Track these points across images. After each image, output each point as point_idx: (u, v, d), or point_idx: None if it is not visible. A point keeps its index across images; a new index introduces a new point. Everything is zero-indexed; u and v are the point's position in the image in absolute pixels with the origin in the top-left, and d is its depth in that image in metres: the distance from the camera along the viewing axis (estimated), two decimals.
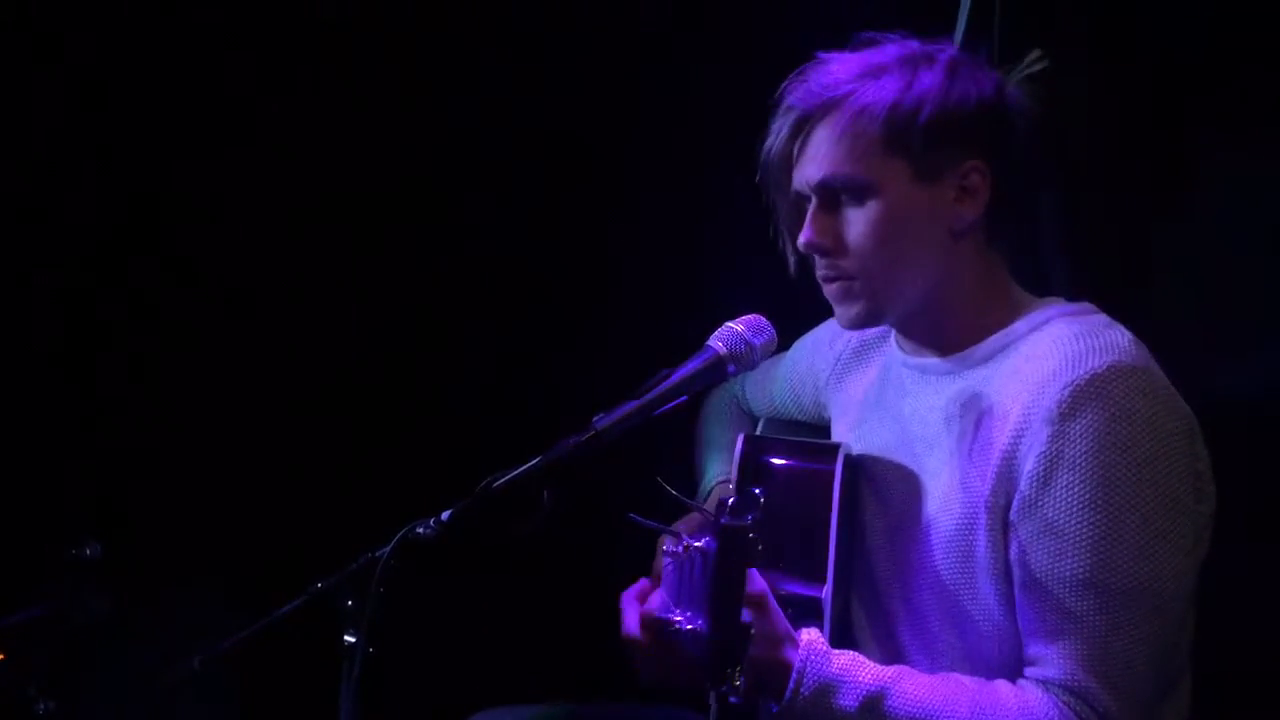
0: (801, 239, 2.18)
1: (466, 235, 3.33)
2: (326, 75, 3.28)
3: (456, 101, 3.32)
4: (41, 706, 2.54)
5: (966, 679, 2.09)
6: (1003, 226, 2.20)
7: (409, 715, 3.03)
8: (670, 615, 1.92)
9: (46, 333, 3.23)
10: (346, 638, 2.08)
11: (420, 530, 2.08)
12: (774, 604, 2.02)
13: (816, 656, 2.04)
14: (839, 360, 2.44)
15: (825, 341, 2.48)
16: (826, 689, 2.03)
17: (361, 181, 3.31)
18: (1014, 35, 2.71)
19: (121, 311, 3.25)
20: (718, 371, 2.14)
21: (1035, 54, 2.22)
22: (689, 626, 1.85)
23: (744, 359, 2.15)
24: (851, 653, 2.08)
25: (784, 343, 2.25)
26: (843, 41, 2.25)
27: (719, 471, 2.57)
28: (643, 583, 2.30)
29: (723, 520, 1.82)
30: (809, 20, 2.69)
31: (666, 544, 2.03)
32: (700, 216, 3.14)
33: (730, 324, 2.17)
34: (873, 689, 2.03)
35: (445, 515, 2.09)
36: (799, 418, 2.55)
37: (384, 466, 3.27)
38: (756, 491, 1.90)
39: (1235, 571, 2.53)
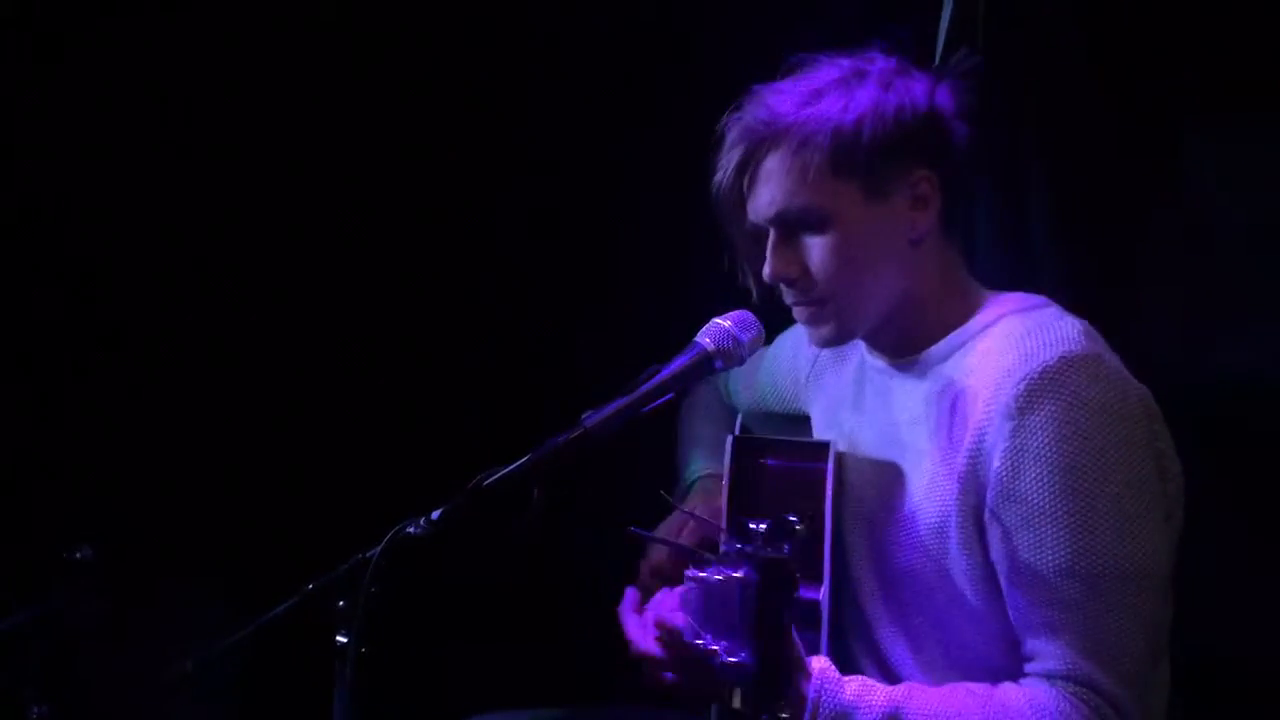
0: (766, 272, 2.20)
1: (451, 237, 3.33)
2: (323, 70, 3.28)
3: (447, 103, 3.32)
4: (36, 710, 2.53)
5: (976, 686, 2.10)
6: (956, 221, 2.23)
7: (403, 716, 3.02)
8: (705, 643, 1.90)
9: (41, 334, 3.22)
10: (339, 638, 2.08)
11: (411, 530, 2.09)
12: (792, 632, 2.01)
13: (830, 685, 2.06)
14: (818, 357, 2.45)
15: (806, 337, 2.45)
16: (841, 717, 2.04)
17: (349, 186, 3.31)
18: (999, 35, 2.72)
19: (116, 313, 3.25)
20: (706, 368, 2.17)
21: (963, 51, 2.27)
22: (732, 659, 1.84)
23: (732, 355, 2.17)
24: (860, 678, 2.10)
25: (771, 338, 2.26)
26: (833, 43, 2.25)
27: (701, 466, 2.58)
28: (632, 593, 2.32)
29: (763, 553, 1.81)
30: (797, 22, 2.69)
31: (691, 570, 2.01)
32: (687, 212, 3.14)
33: (718, 320, 2.19)
34: (886, 711, 2.05)
35: (436, 514, 2.09)
36: (780, 410, 2.55)
37: (374, 466, 3.27)
38: (793, 519, 1.87)
39: (1225, 566, 2.55)
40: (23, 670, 2.55)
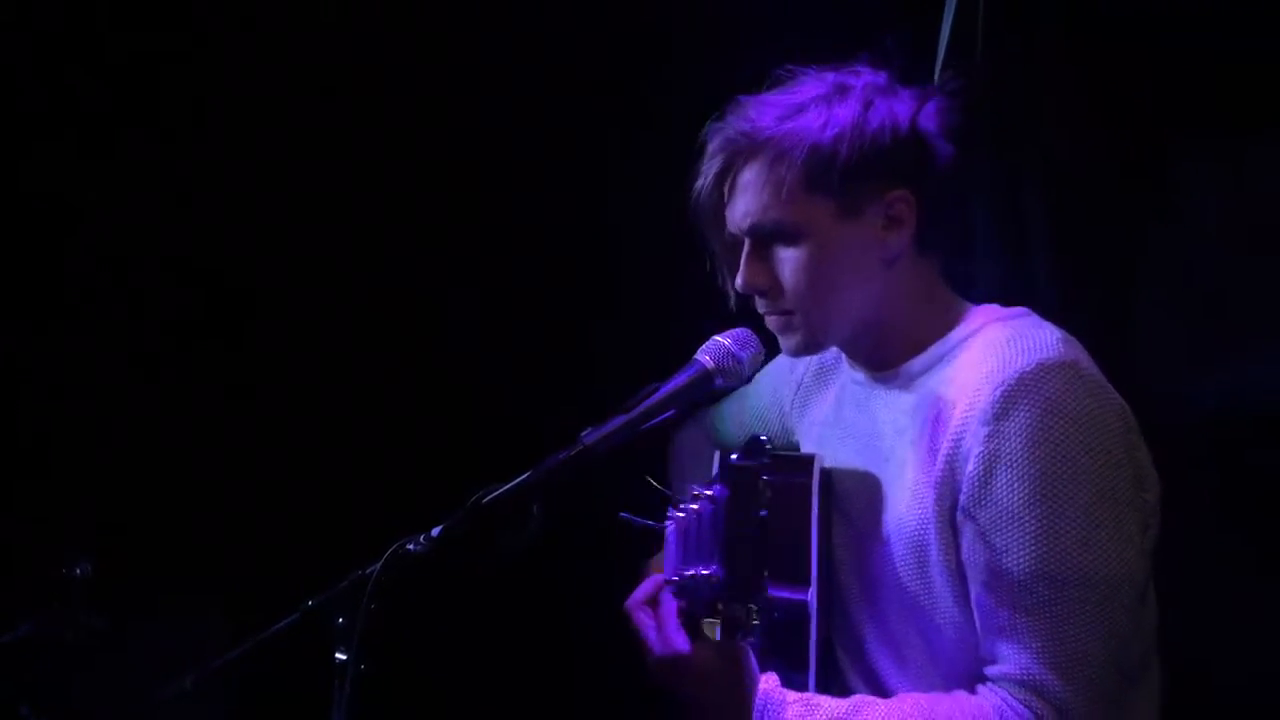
0: (738, 282, 2.22)
1: (448, 254, 3.32)
2: (322, 72, 3.28)
3: (446, 112, 3.31)
4: None
5: (924, 697, 2.12)
6: (934, 241, 2.23)
7: None
8: (677, 575, 1.91)
9: (39, 347, 3.22)
10: (338, 655, 2.08)
11: (410, 546, 2.09)
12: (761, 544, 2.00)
13: (773, 704, 2.08)
14: (800, 386, 2.48)
15: (786, 369, 2.51)
16: None
17: (343, 205, 3.30)
18: (998, 39, 2.72)
19: (115, 327, 3.25)
20: (705, 385, 2.17)
21: (948, 74, 2.26)
22: (704, 571, 1.85)
23: (731, 372, 2.18)
24: (805, 695, 2.12)
25: (769, 355, 2.26)
26: (836, 46, 2.26)
27: None
28: (645, 586, 2.28)
29: (732, 460, 1.83)
30: (799, 29, 2.69)
31: (669, 511, 2.04)
32: (687, 229, 3.13)
33: (717, 337, 2.20)
34: None
35: (435, 531, 2.09)
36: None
37: (373, 483, 3.27)
38: (763, 438, 1.90)
39: (1222, 573, 2.56)
40: (20, 686, 2.55)
